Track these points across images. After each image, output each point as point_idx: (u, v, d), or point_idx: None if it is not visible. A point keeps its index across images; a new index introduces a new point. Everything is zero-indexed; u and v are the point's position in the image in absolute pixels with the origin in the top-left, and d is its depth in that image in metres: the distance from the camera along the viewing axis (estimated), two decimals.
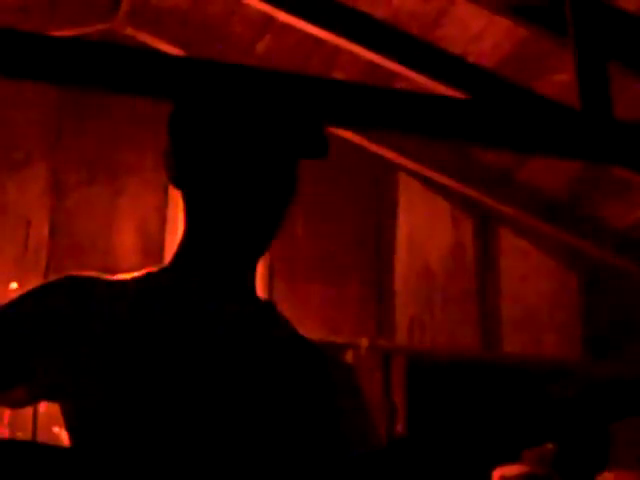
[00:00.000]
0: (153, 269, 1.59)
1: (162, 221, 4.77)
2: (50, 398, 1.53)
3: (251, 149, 1.51)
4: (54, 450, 1.17)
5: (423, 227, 5.20)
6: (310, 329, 1.67)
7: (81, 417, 1.45)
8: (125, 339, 1.46)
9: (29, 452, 1.12)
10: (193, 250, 1.57)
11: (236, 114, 1.54)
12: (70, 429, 1.47)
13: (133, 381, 1.43)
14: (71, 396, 1.47)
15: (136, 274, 1.58)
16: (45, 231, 4.68)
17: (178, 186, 1.58)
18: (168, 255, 1.61)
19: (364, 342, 4.82)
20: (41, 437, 4.15)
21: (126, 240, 4.70)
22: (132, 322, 1.49)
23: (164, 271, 1.58)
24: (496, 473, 3.29)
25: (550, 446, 3.42)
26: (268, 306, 1.64)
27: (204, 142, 1.53)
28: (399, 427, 4.76)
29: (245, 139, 1.52)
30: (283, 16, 4.25)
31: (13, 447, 1.14)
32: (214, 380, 1.47)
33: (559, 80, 3.97)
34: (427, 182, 5.16)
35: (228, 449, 1.44)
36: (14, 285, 4.44)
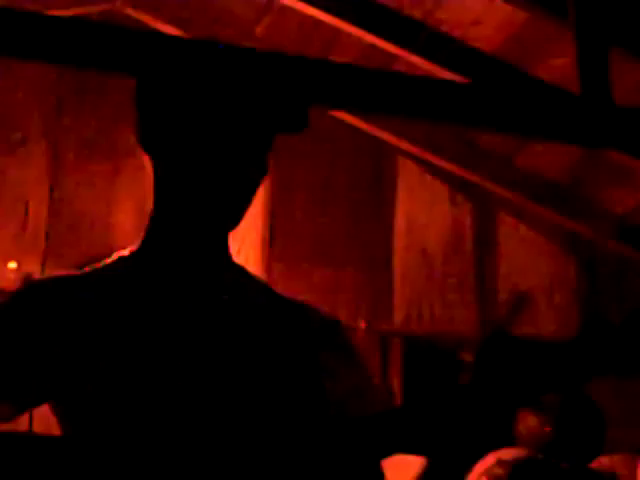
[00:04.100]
0: (124, 252, 1.58)
1: None
2: (37, 405, 1.51)
3: (223, 122, 1.49)
4: (50, 440, 1.18)
5: (422, 210, 5.20)
6: None
7: (72, 414, 1.45)
8: (104, 330, 1.45)
9: (25, 443, 1.12)
10: (163, 227, 1.56)
11: (208, 88, 1.51)
12: (64, 427, 1.46)
13: (120, 369, 1.42)
14: (59, 398, 1.46)
15: (108, 260, 1.57)
16: (44, 211, 4.68)
17: (147, 152, 1.57)
18: None
19: (362, 325, 4.82)
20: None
21: (125, 219, 4.70)
22: (108, 312, 1.47)
23: (136, 253, 1.57)
24: (492, 457, 3.30)
25: (547, 430, 3.43)
26: (241, 271, 1.63)
27: (174, 115, 1.52)
28: None
29: (217, 112, 1.50)
30: None
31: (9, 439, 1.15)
32: (197, 356, 1.46)
33: (559, 64, 3.96)
34: (426, 165, 5.15)
35: (215, 423, 1.43)
36: (13, 265, 4.44)
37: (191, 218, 1.53)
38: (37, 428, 3.72)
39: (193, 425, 1.42)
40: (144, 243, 1.57)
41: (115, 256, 1.58)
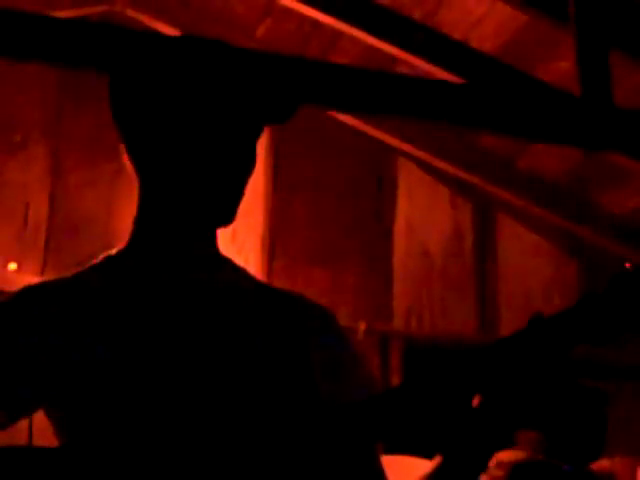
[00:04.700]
0: (112, 252, 1.58)
1: None
2: (29, 413, 1.50)
3: (208, 116, 1.48)
4: (48, 452, 1.17)
5: (422, 212, 5.20)
6: None
7: (68, 418, 1.44)
8: (94, 330, 1.44)
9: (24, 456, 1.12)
10: (149, 226, 1.56)
11: (191, 84, 1.50)
12: (60, 433, 1.46)
13: (111, 368, 1.41)
14: (55, 403, 1.45)
15: (95, 261, 1.57)
16: (44, 212, 4.68)
17: (130, 154, 1.57)
18: None
19: (362, 326, 4.82)
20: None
21: (125, 221, 4.68)
22: (97, 312, 1.46)
23: (124, 252, 1.57)
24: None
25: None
26: (230, 266, 1.62)
27: (156, 112, 1.50)
28: None
29: (201, 107, 1.48)
30: None
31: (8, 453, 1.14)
32: (188, 352, 1.45)
33: (560, 66, 3.97)
34: (427, 167, 5.16)
35: (208, 417, 1.43)
36: (13, 266, 4.44)
37: (177, 215, 1.53)
38: (37, 440, 3.73)
39: (186, 420, 1.41)
40: (131, 242, 1.58)
41: (102, 256, 1.57)
